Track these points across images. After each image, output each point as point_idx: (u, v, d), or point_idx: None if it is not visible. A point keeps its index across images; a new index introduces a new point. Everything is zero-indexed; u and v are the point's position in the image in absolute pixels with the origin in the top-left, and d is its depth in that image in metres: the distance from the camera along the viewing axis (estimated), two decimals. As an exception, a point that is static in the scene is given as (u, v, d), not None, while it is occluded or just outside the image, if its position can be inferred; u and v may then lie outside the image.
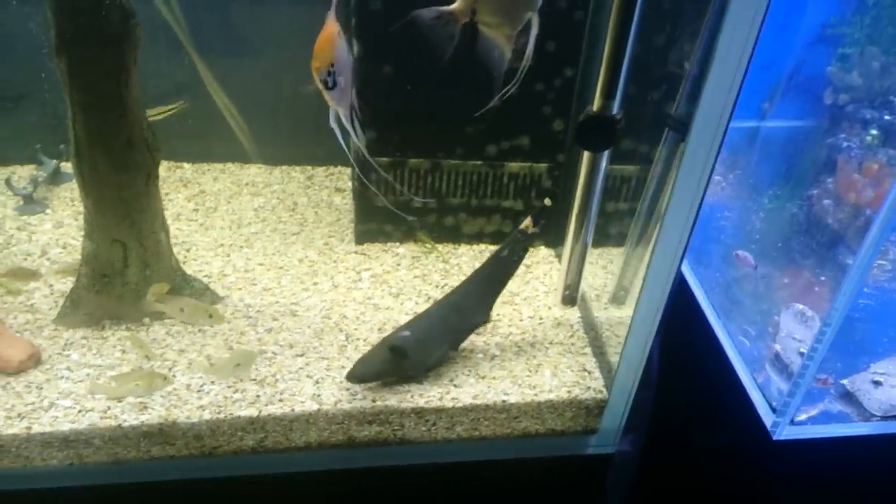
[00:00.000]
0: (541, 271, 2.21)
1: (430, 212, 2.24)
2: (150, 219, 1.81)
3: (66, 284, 1.97)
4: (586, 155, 1.78)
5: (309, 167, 2.64)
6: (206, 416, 1.67)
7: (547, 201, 1.85)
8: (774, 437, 1.90)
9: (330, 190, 2.55)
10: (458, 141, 2.13)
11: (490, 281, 1.89)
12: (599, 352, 1.91)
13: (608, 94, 1.64)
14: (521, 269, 2.18)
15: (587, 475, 1.92)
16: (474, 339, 1.92)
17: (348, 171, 2.63)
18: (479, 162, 2.15)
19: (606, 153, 1.78)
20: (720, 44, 1.27)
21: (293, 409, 1.70)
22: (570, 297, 2.04)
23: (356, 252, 2.24)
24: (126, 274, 1.83)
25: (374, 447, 1.79)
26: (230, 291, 2.03)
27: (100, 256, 1.80)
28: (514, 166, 2.16)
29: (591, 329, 1.98)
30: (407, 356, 1.74)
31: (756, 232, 2.33)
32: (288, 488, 1.81)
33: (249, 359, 1.79)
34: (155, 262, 1.85)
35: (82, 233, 2.11)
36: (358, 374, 1.73)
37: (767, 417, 1.92)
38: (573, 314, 2.06)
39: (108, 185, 1.71)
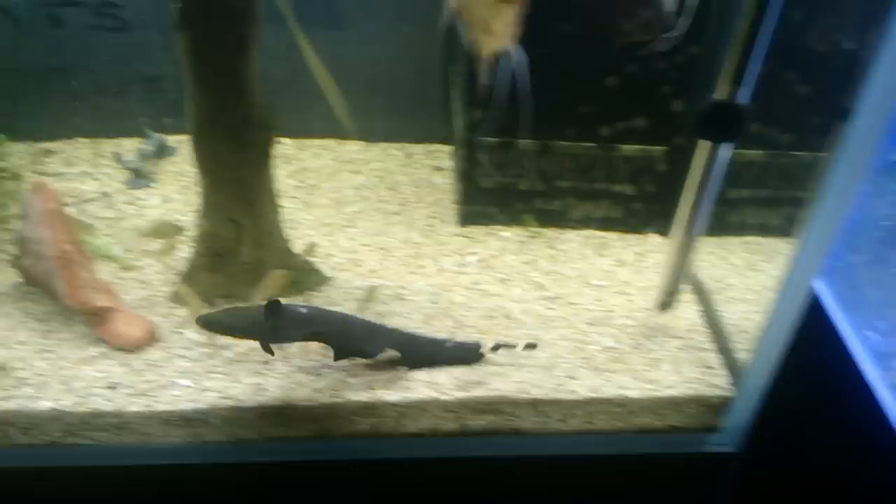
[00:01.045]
0: (654, 260, 2.12)
1: (538, 195, 2.17)
2: (264, 198, 1.79)
3: (178, 261, 1.99)
4: (703, 145, 1.65)
5: (407, 144, 2.59)
6: (324, 398, 1.67)
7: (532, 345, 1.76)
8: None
9: (430, 168, 2.51)
10: (569, 122, 2.05)
11: (423, 349, 1.76)
12: (724, 347, 1.83)
13: (736, 80, 1.49)
14: (633, 255, 2.15)
15: (704, 474, 1.86)
16: (588, 330, 1.88)
17: (447, 149, 2.58)
18: (591, 144, 2.08)
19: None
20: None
21: (407, 396, 1.69)
22: (667, 303, 1.89)
23: (460, 234, 2.20)
24: (239, 253, 1.82)
25: (485, 436, 1.77)
26: (336, 272, 2.01)
27: (215, 235, 1.80)
28: (627, 149, 2.07)
29: (714, 323, 1.90)
30: (280, 319, 1.56)
31: (883, 218, 2.20)
32: (398, 474, 1.80)
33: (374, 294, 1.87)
34: (267, 241, 1.85)
35: (189, 208, 2.17)
36: (212, 321, 1.61)
37: (896, 416, 1.83)
38: (692, 307, 1.97)
39: (226, 164, 1.71)
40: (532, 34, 1.83)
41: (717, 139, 1.50)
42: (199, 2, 1.49)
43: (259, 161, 1.72)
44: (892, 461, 1.80)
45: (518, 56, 1.23)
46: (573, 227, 2.21)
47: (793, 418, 1.92)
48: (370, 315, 1.80)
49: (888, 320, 1.97)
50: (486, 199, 2.18)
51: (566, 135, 2.05)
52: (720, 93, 1.48)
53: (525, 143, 2.07)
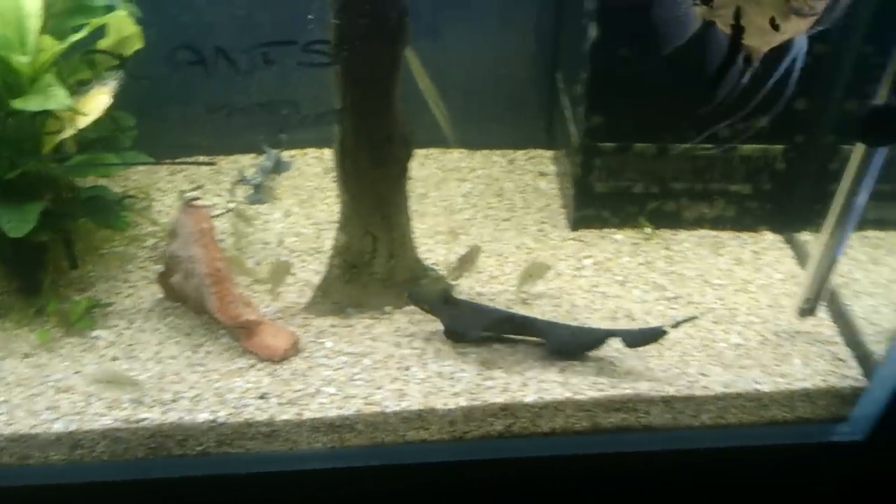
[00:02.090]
0: (771, 257, 2.14)
1: (651, 197, 2.20)
2: (399, 211, 1.87)
3: (306, 272, 2.08)
4: (860, 149, 1.64)
5: (510, 151, 2.65)
6: (462, 402, 1.72)
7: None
8: None
9: (533, 174, 2.55)
10: (686, 124, 2.03)
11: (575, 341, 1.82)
12: (853, 340, 1.84)
13: None
14: (750, 254, 2.16)
15: (833, 462, 1.86)
16: (713, 328, 1.90)
17: (549, 154, 2.63)
18: (709, 144, 2.07)
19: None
20: None
21: (542, 397, 1.73)
22: (810, 309, 1.87)
23: (573, 239, 2.23)
24: (373, 264, 1.90)
25: (617, 433, 1.80)
26: (459, 280, 2.08)
27: (352, 248, 1.88)
28: (746, 148, 2.08)
29: (841, 317, 1.91)
30: (446, 304, 1.85)
31: None
32: (531, 472, 1.84)
33: (542, 270, 2.00)
34: (400, 253, 1.91)
35: (309, 221, 2.26)
36: (415, 295, 1.90)
37: None
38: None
39: (367, 179, 1.78)
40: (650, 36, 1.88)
41: (879, 144, 1.50)
42: (357, 25, 1.55)
43: (398, 176, 1.79)
44: None
45: (799, 48, 1.24)
46: (687, 228, 2.23)
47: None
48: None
49: None
50: (598, 203, 2.21)
51: (684, 136, 2.06)
52: (880, 96, 1.49)
53: (642, 146, 2.10)
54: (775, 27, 1.17)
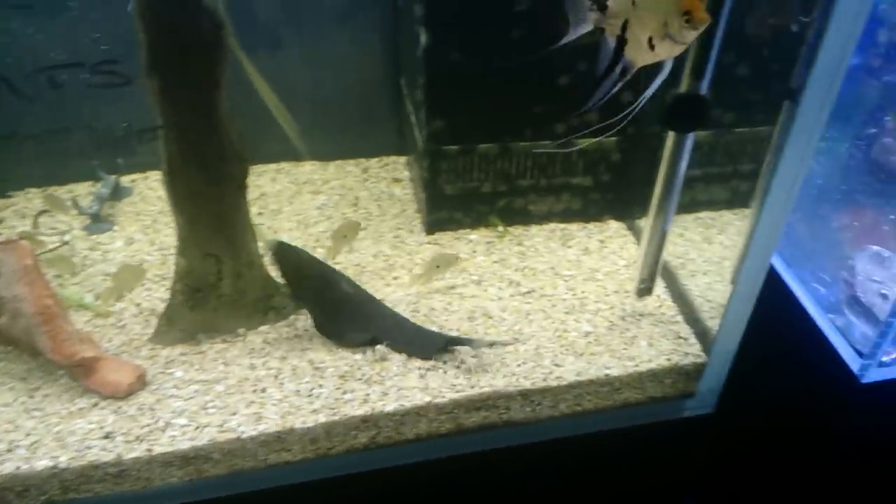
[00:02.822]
0: (616, 245, 2.22)
1: (501, 195, 2.24)
2: (241, 229, 1.81)
3: (151, 301, 1.99)
4: (671, 136, 1.74)
5: (363, 160, 2.64)
6: (321, 418, 1.69)
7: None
8: (863, 381, 1.93)
9: (388, 181, 2.55)
10: (526, 123, 2.12)
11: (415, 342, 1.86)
12: (692, 318, 1.94)
13: (698, 73, 1.57)
14: (596, 243, 2.23)
15: (686, 437, 1.95)
16: (565, 318, 1.95)
17: (403, 160, 2.63)
18: (548, 142, 2.15)
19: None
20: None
21: (403, 405, 1.73)
22: (646, 289, 1.98)
23: (429, 242, 2.25)
24: (220, 286, 1.83)
25: (481, 432, 1.82)
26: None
27: (193, 272, 1.80)
28: (582, 142, 2.15)
29: (680, 297, 2.00)
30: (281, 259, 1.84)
31: (817, 176, 2.34)
32: (399, 480, 1.83)
33: (450, 261, 2.01)
34: (247, 272, 1.86)
35: (154, 247, 2.16)
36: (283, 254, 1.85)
37: (853, 362, 1.96)
38: (659, 284, 2.06)
39: (202, 200, 1.71)
40: (487, 39, 1.90)
41: (684, 130, 1.59)
42: (172, 42, 1.50)
43: (236, 194, 1.74)
44: (850, 400, 1.94)
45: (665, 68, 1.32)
46: (537, 223, 2.29)
47: (759, 375, 2.05)
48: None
49: (829, 272, 2.11)
50: (450, 205, 2.23)
51: (524, 136, 2.13)
52: (685, 86, 1.57)
53: (485, 147, 2.14)
54: (651, 47, 1.24)
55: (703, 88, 1.57)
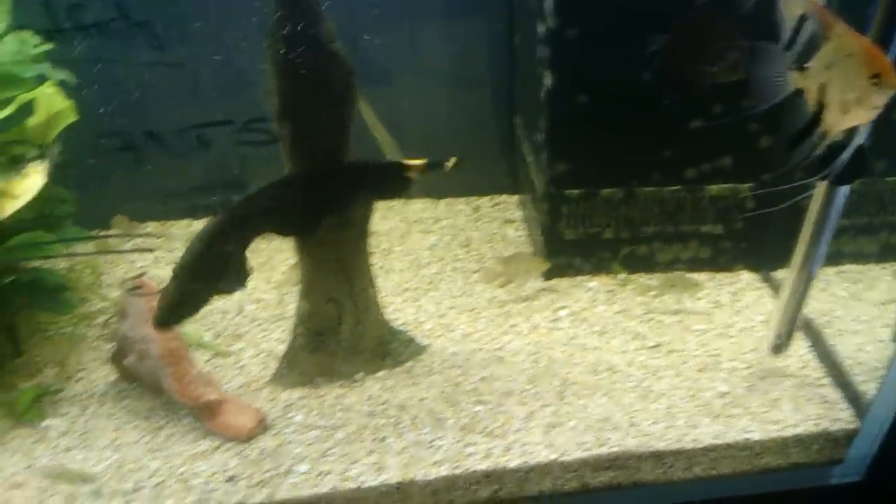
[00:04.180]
0: (750, 298, 2.09)
1: (623, 242, 2.15)
2: (362, 274, 1.78)
3: (269, 342, 1.99)
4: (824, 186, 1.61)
5: (473, 198, 2.60)
6: (443, 471, 1.63)
7: None
8: None
9: (500, 221, 2.50)
10: (654, 167, 2.05)
11: None
12: (841, 380, 1.80)
13: None
14: (728, 295, 2.11)
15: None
16: (698, 377, 1.83)
17: (514, 199, 2.59)
18: (677, 187, 2.07)
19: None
20: None
21: (527, 461, 1.65)
22: (782, 346, 1.82)
23: (545, 288, 2.17)
24: (340, 331, 1.81)
25: (607, 492, 1.73)
26: (430, 339, 1.98)
27: (315, 316, 1.79)
28: (714, 188, 2.06)
29: (826, 357, 1.86)
30: None
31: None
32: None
33: (532, 266, 2.08)
34: (365, 317, 1.83)
35: (269, 285, 2.16)
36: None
37: None
38: (800, 343, 1.92)
39: (326, 245, 1.70)
40: (616, 81, 1.82)
41: (842, 182, 1.48)
42: (304, 89, 1.50)
43: (358, 238, 1.72)
44: None
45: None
46: (662, 271, 2.18)
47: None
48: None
49: None
50: (570, 251, 2.16)
51: (651, 180, 2.05)
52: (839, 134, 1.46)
53: (610, 191, 2.06)
54: (848, 111, 1.19)
55: (864, 138, 1.46)
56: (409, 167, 1.63)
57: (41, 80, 1.75)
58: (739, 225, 2.11)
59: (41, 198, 1.56)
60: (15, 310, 1.81)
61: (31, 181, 1.53)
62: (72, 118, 1.72)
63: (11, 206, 1.46)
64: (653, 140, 1.96)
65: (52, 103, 1.77)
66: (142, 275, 1.86)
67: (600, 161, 2.02)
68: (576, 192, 2.06)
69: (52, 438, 1.72)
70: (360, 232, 1.72)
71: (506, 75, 2.46)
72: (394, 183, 1.66)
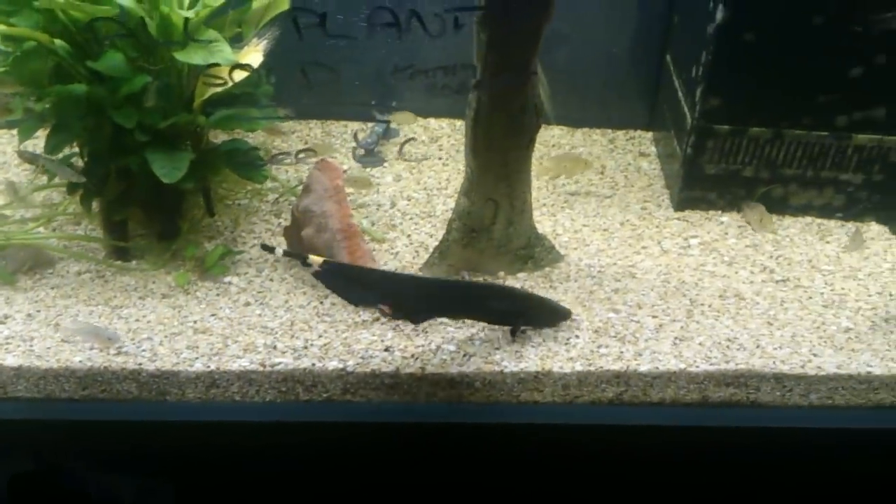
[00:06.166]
0: (878, 247, 2.16)
1: (761, 182, 2.23)
2: (523, 180, 1.92)
3: (420, 235, 2.16)
4: None
5: (609, 130, 2.69)
6: (577, 367, 1.78)
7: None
8: None
9: (634, 154, 2.60)
10: (806, 111, 2.10)
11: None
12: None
13: None
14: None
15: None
16: (823, 312, 1.93)
17: (649, 135, 2.67)
18: (825, 133, 2.12)
19: None
20: None
21: (657, 367, 1.78)
22: None
23: (677, 218, 2.28)
24: (492, 230, 1.96)
25: (723, 408, 1.85)
26: (566, 251, 2.13)
27: (473, 213, 1.94)
28: (861, 138, 2.11)
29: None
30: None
31: None
32: (631, 440, 1.87)
33: (578, 164, 2.25)
34: (518, 221, 1.97)
35: (419, 186, 2.32)
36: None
37: None
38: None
39: (497, 148, 1.83)
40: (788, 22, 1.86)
41: None
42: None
43: (527, 146, 1.85)
44: None
45: None
46: (793, 215, 2.26)
47: None
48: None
49: None
50: (707, 185, 2.25)
51: (801, 123, 2.11)
52: None
53: (758, 130, 2.13)
54: None
55: None
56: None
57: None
58: (879, 177, 2.17)
59: (251, 76, 1.74)
60: (214, 175, 2.02)
61: (251, 58, 1.71)
62: (285, 6, 1.88)
63: (237, 76, 1.64)
64: (811, 84, 2.03)
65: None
66: (309, 150, 2.03)
67: (754, 99, 2.09)
68: (725, 128, 2.13)
69: (232, 293, 1.94)
70: (530, 139, 1.85)
71: (664, 10, 2.49)
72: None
